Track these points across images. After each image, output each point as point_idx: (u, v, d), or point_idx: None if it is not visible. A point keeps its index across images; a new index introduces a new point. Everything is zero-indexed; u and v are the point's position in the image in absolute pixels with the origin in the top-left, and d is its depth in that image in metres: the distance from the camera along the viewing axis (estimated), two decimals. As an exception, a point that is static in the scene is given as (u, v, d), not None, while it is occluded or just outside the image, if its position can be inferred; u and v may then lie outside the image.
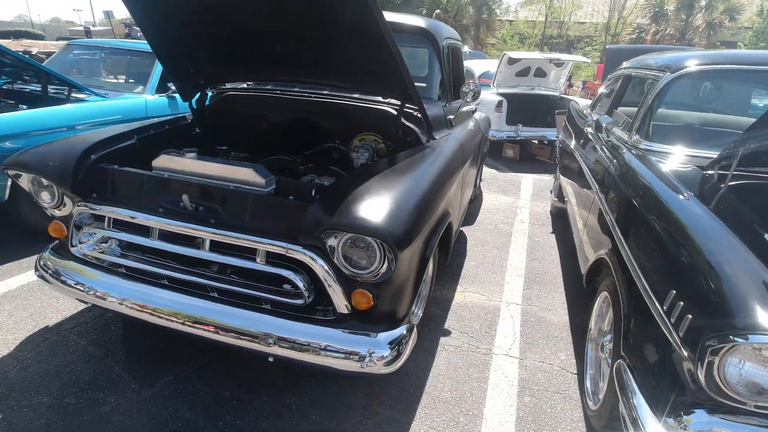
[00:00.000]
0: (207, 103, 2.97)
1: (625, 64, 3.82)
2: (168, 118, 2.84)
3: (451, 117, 3.12)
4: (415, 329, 1.99)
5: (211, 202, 1.95)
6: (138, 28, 3.53)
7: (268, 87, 3.02)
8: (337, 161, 2.80)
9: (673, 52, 3.23)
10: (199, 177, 2.00)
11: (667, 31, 19.36)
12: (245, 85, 3.11)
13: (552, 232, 4.52)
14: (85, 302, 2.33)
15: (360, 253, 1.74)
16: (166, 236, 1.98)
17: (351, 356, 1.80)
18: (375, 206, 1.71)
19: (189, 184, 1.97)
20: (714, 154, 2.13)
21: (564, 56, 7.82)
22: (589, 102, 7.65)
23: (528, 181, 6.51)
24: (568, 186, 3.88)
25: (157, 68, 4.43)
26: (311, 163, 2.73)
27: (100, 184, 2.11)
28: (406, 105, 2.51)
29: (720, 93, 3.04)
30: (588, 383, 2.22)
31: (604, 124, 2.93)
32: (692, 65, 2.56)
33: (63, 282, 2.15)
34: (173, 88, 4.39)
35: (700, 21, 18.95)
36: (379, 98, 2.70)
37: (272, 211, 1.88)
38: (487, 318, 2.91)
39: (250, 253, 1.88)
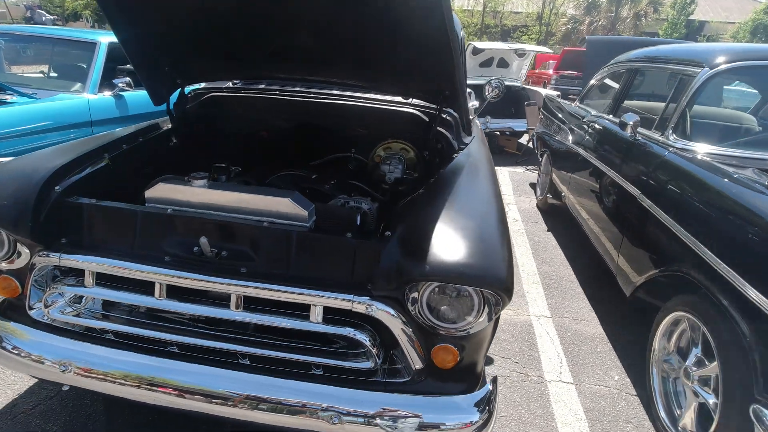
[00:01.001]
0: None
1: (622, 57, 3.71)
2: (139, 127, 2.26)
3: (471, 117, 2.81)
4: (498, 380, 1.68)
5: (238, 245, 1.49)
6: (43, 12, 2.87)
7: (261, 86, 2.53)
8: (352, 173, 2.40)
9: (690, 45, 3.14)
10: (217, 211, 1.53)
11: (600, 22, 20.48)
12: (230, 84, 2.59)
13: (548, 230, 4.40)
14: (57, 383, 1.76)
15: (451, 303, 1.39)
16: (173, 293, 1.49)
17: (433, 428, 1.46)
18: (469, 247, 1.36)
19: (205, 222, 1.50)
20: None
21: (528, 47, 7.81)
22: (547, 91, 7.69)
23: (504, 174, 6.41)
24: (574, 187, 3.74)
25: (98, 61, 3.69)
26: (323, 177, 2.31)
27: (71, 226, 1.56)
28: (444, 108, 2.16)
29: (753, 90, 2.99)
30: (662, 413, 2.04)
31: (630, 122, 2.77)
32: (728, 61, 2.44)
33: (19, 355, 1.59)
34: (120, 84, 3.68)
35: (628, 12, 20.20)
36: (414, 100, 2.33)
37: (324, 253, 1.46)
38: (523, 337, 2.67)
39: (296, 309, 1.47)
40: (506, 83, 8.13)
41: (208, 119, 2.45)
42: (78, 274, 1.59)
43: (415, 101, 2.38)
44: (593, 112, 3.87)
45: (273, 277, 1.44)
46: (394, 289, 1.36)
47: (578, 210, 3.59)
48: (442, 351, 1.46)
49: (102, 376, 1.52)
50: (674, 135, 2.49)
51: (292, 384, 1.47)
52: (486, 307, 1.37)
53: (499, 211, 1.60)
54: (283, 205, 1.51)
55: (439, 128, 2.25)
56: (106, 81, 3.70)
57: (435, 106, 2.20)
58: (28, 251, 1.56)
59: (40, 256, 1.53)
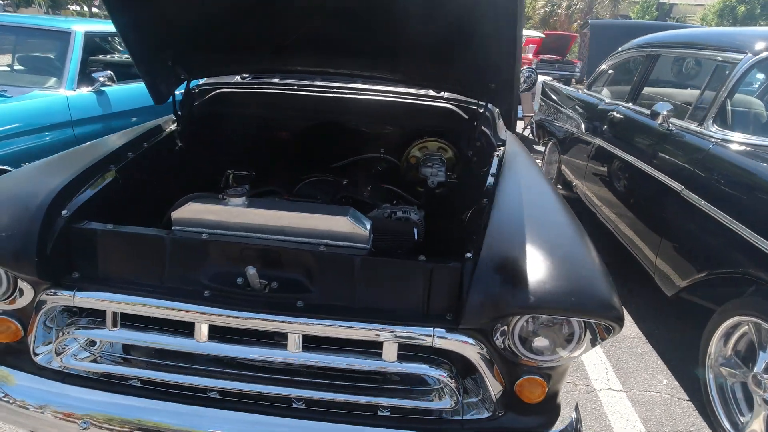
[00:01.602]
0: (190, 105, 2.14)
1: (639, 41, 3.58)
2: (140, 130, 1.98)
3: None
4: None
5: (290, 274, 1.27)
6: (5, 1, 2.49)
7: (275, 81, 2.27)
8: (382, 177, 2.18)
9: (724, 30, 3.01)
10: (259, 233, 1.31)
11: (578, 5, 20.52)
12: (238, 79, 2.31)
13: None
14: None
15: (547, 334, 1.21)
16: (213, 332, 1.27)
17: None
18: (571, 272, 1.20)
19: (249, 248, 1.27)
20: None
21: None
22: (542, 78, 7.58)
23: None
24: (590, 179, 3.62)
25: (75, 52, 3.31)
26: (354, 182, 2.08)
27: (84, 258, 1.31)
28: (488, 102, 1.96)
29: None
30: (725, 422, 1.95)
31: (663, 112, 2.64)
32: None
33: (24, 407, 1.34)
34: (101, 79, 3.32)
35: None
36: (445, 94, 2.12)
37: (394, 279, 1.26)
38: (560, 341, 2.55)
39: (361, 346, 1.27)
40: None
41: (218, 119, 2.18)
42: (95, 313, 1.34)
43: (448, 95, 2.17)
44: (607, 100, 3.75)
45: (335, 311, 1.24)
46: (486, 323, 1.18)
47: (597, 203, 3.48)
48: (528, 384, 1.29)
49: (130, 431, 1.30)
50: (715, 126, 2.37)
51: (358, 430, 1.28)
52: (587, 335, 1.20)
53: (578, 224, 1.43)
54: (340, 224, 1.30)
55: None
56: (83, 75, 3.33)
57: (475, 101, 2.00)
58: (31, 288, 1.30)
59: (49, 295, 1.27)
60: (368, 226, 1.33)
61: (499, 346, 1.22)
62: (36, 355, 1.37)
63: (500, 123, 2.12)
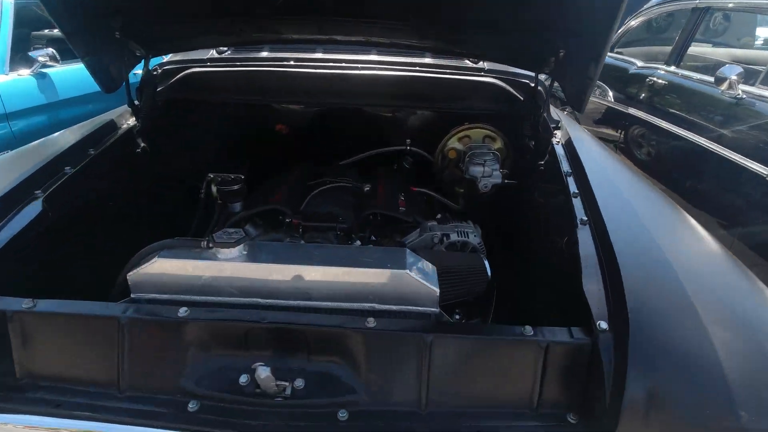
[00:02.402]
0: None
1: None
2: (85, 130, 1.45)
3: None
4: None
5: (323, 365, 0.81)
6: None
7: (263, 55, 1.73)
8: (409, 175, 1.71)
9: None
10: (267, 299, 0.84)
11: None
12: (214, 54, 1.77)
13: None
14: None
15: None
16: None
17: None
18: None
19: (254, 329, 0.80)
20: None
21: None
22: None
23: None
24: (625, 153, 3.19)
25: (4, 26, 2.66)
26: (377, 186, 1.60)
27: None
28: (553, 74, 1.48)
29: None
30: None
31: (731, 77, 2.20)
32: None
33: None
34: (41, 59, 2.70)
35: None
36: (485, 65, 1.63)
37: (485, 364, 0.82)
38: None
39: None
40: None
41: (190, 108, 1.66)
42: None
43: (489, 66, 1.68)
44: (640, 63, 3.28)
45: (397, 420, 0.79)
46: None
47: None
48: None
49: None
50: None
51: None
52: None
53: (728, 253, 1.00)
54: (397, 281, 0.84)
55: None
56: (18, 54, 2.70)
57: (532, 74, 1.52)
58: None
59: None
60: (435, 277, 0.87)
61: None
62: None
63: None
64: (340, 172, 1.65)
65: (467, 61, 1.69)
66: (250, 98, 1.65)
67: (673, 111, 2.69)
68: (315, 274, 0.84)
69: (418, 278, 0.83)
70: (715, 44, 3.29)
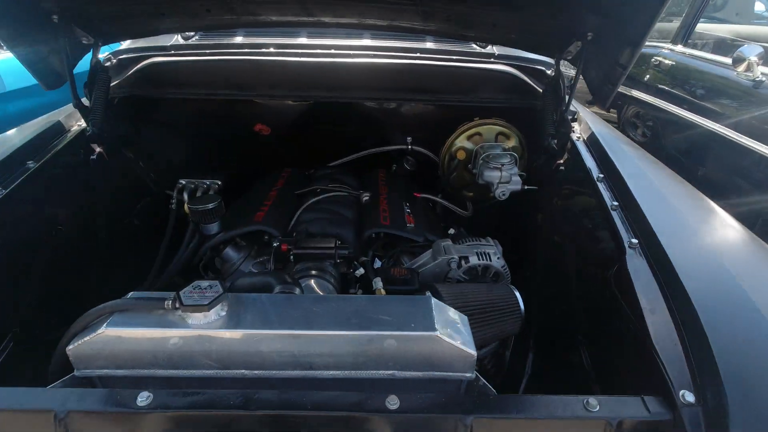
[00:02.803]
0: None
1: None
2: (26, 134, 1.20)
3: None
4: None
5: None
6: None
7: (238, 41, 1.48)
8: (411, 178, 1.51)
9: None
10: (268, 372, 0.65)
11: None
12: (180, 41, 1.51)
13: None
14: None
15: None
16: None
17: None
18: None
19: (244, 419, 0.61)
20: None
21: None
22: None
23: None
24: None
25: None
26: (376, 192, 1.40)
27: None
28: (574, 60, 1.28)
29: None
30: None
31: (751, 57, 2.03)
32: None
33: None
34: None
35: None
36: (495, 50, 1.42)
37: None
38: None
39: None
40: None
41: (152, 106, 1.41)
42: None
43: (500, 52, 1.47)
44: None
45: None
46: None
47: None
48: None
49: None
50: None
51: None
52: None
53: None
54: (424, 345, 0.65)
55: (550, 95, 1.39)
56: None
57: (551, 61, 1.32)
58: None
59: None
60: (470, 334, 0.69)
61: None
62: None
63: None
64: (331, 177, 1.44)
65: (474, 45, 1.48)
66: (223, 93, 1.41)
67: (682, 94, 2.53)
68: (319, 340, 0.64)
69: (451, 340, 0.65)
70: (716, 20, 3.13)
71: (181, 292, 0.64)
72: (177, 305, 0.64)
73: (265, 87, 1.39)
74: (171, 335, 0.63)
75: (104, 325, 0.63)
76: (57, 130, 1.30)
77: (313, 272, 0.95)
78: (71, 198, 1.19)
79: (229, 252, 1.13)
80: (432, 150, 1.49)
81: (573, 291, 0.98)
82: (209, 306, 0.62)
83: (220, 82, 1.42)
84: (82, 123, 1.32)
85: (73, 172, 1.24)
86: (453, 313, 0.71)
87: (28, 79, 2.60)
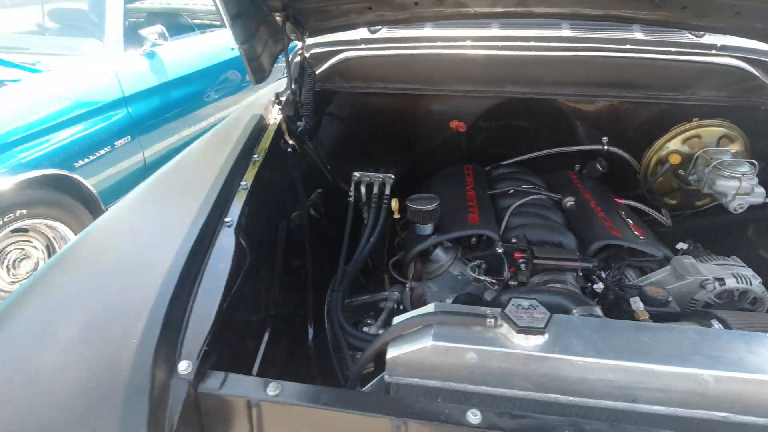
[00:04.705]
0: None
1: None
2: (244, 120, 1.27)
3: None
4: None
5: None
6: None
7: (426, 33, 1.45)
8: (603, 182, 1.40)
9: None
10: (593, 402, 0.62)
11: None
12: (367, 34, 1.51)
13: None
14: None
15: None
16: None
17: None
18: None
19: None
20: None
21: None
22: None
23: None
24: None
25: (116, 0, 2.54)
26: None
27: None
28: None
29: None
30: None
31: None
32: None
33: None
34: (151, 37, 2.57)
35: None
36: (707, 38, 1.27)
37: None
38: None
39: None
40: None
41: (345, 102, 1.43)
42: None
43: (722, 42, 1.31)
44: None
45: None
46: None
47: None
48: None
49: None
50: None
51: None
52: None
53: None
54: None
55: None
56: (128, 32, 2.59)
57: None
58: None
59: None
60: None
61: None
62: None
63: None
64: (513, 177, 1.38)
65: (689, 35, 1.32)
66: (412, 87, 1.39)
67: None
68: (653, 373, 0.60)
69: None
70: None
71: (506, 311, 0.62)
72: (499, 323, 0.62)
73: (458, 82, 1.35)
74: (498, 354, 0.62)
75: (430, 337, 0.63)
76: (261, 124, 1.36)
77: (557, 286, 0.90)
78: (289, 190, 1.25)
79: (439, 253, 1.12)
80: (627, 151, 1.37)
81: None
82: (545, 330, 0.60)
83: (410, 76, 1.40)
84: (275, 115, 1.37)
85: (282, 164, 1.29)
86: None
87: (185, 68, 2.76)
